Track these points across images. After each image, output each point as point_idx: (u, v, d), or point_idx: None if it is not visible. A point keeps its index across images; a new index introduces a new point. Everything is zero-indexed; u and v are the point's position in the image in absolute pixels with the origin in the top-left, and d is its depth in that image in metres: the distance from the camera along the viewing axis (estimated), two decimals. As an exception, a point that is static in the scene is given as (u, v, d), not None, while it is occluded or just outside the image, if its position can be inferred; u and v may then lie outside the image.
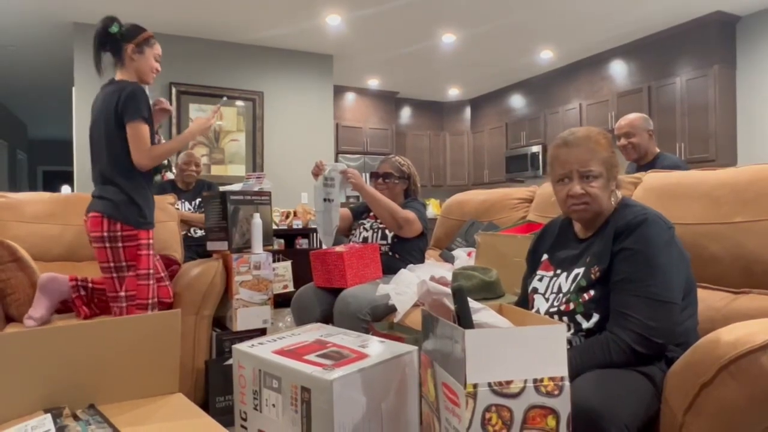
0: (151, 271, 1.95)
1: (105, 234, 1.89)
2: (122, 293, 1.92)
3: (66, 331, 1.18)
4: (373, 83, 7.27)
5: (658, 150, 2.88)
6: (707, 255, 1.46)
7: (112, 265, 1.91)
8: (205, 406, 2.07)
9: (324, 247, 2.39)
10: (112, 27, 1.98)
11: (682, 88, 5.09)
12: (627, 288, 1.17)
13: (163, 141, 2.19)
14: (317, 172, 2.37)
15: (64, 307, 2.14)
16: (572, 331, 1.24)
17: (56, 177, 10.70)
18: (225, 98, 2.39)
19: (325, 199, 2.36)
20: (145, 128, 1.91)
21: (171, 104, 5.27)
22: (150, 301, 1.95)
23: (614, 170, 1.30)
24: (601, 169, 1.27)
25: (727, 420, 0.96)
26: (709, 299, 1.40)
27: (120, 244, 1.90)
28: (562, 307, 1.28)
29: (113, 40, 1.99)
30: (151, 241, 1.96)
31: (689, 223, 1.52)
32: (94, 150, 2.01)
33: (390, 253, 2.39)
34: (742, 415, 0.95)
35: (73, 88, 5.05)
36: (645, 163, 2.82)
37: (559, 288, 1.32)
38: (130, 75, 2.02)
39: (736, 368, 0.95)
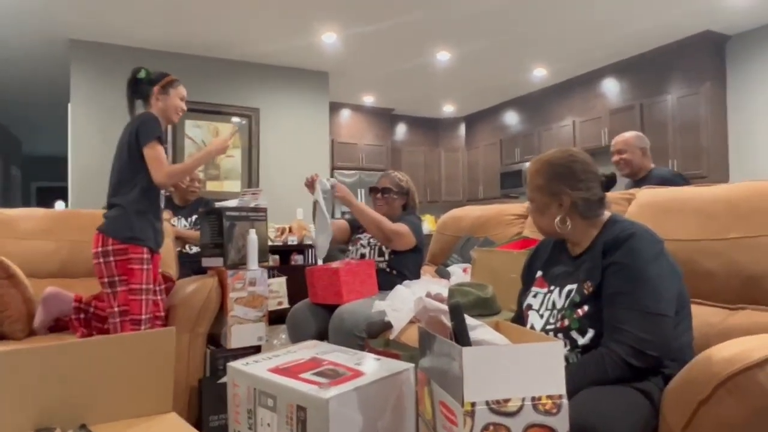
0: (145, 286, 1.94)
1: (99, 249, 1.93)
2: (116, 308, 1.92)
3: (58, 350, 1.17)
4: (369, 100, 7.32)
5: (652, 166, 2.99)
6: (702, 271, 1.46)
7: (105, 280, 1.93)
8: (199, 425, 2.04)
9: (318, 260, 2.40)
10: (140, 73, 2.14)
11: (674, 106, 5.16)
12: (618, 302, 1.17)
13: None
14: (310, 183, 2.39)
15: (57, 325, 2.12)
16: (568, 347, 1.24)
17: (51, 193, 10.65)
18: (237, 127, 2.48)
19: (319, 214, 2.38)
20: (159, 149, 1.99)
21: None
22: (143, 317, 1.94)
23: (555, 198, 1.33)
24: (534, 195, 1.38)
25: (726, 437, 0.96)
26: (704, 315, 1.40)
27: (111, 259, 1.92)
28: (558, 324, 1.28)
29: (141, 85, 2.13)
30: (145, 256, 1.96)
31: (684, 240, 1.53)
32: (112, 172, 2.08)
33: (387, 270, 2.39)
34: (739, 431, 0.95)
35: (69, 105, 5.06)
36: (639, 179, 2.93)
37: (553, 304, 1.32)
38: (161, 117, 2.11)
39: (733, 385, 0.95)
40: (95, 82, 5.08)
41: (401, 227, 2.34)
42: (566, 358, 1.24)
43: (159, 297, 2.09)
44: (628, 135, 3.03)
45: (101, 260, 1.93)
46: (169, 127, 5.27)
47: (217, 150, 2.19)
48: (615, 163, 3.01)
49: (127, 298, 1.93)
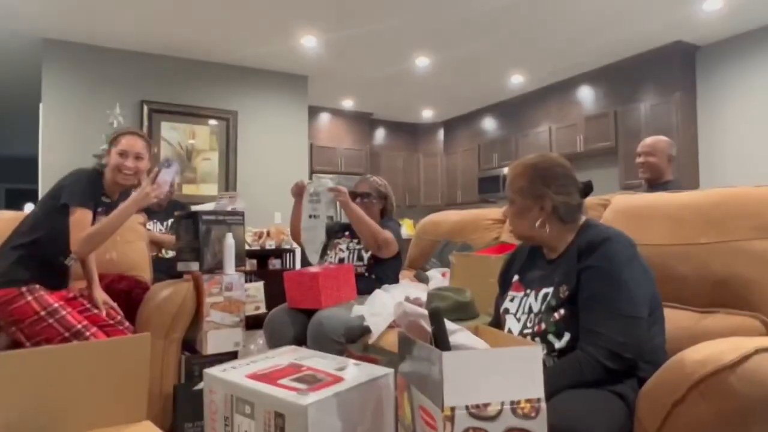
0: (43, 312, 1.81)
1: None
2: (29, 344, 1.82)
3: (26, 357, 1.13)
4: (348, 104, 7.32)
5: (671, 177, 2.91)
6: (675, 275, 1.50)
7: (10, 329, 1.82)
8: (173, 433, 2.00)
9: (313, 264, 2.37)
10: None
11: (647, 114, 5.28)
12: (593, 305, 1.19)
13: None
14: (298, 191, 2.36)
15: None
16: (545, 351, 1.25)
17: (20, 195, 10.36)
18: (166, 163, 2.19)
19: (310, 216, 2.35)
20: (81, 214, 1.87)
21: (141, 123, 5.20)
22: (66, 335, 1.83)
23: (538, 200, 1.34)
24: (516, 198, 1.38)
25: (699, 439, 0.98)
26: (677, 319, 1.43)
27: None
28: (535, 328, 1.29)
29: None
30: (24, 290, 1.82)
31: (657, 244, 1.56)
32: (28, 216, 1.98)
33: (366, 274, 2.38)
34: (712, 433, 0.97)
35: (41, 105, 4.93)
36: (656, 185, 2.86)
37: (530, 308, 1.33)
38: (107, 176, 2.03)
39: (706, 387, 0.97)
40: (67, 82, 4.96)
41: (389, 235, 2.34)
42: (543, 362, 1.25)
43: (123, 327, 1.99)
44: (659, 138, 2.95)
45: None
46: (145, 129, 5.20)
47: (135, 202, 1.96)
48: (639, 165, 2.93)
49: (38, 335, 1.80)
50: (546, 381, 0.94)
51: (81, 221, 1.85)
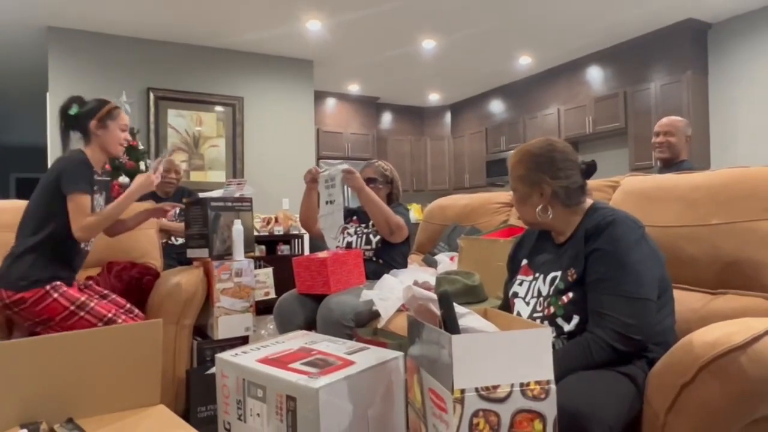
0: (72, 307, 1.83)
1: (1, 303, 1.82)
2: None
3: (44, 343, 1.15)
4: (354, 89, 7.27)
5: (686, 157, 2.89)
6: (685, 256, 1.49)
7: (38, 329, 1.83)
8: (186, 416, 2.03)
9: (331, 248, 2.38)
10: (71, 109, 1.95)
11: (657, 94, 5.20)
12: (601, 288, 1.19)
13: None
14: (312, 178, 2.36)
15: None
16: (554, 334, 1.25)
17: (30, 184, 10.44)
18: (168, 150, 2.26)
19: (327, 202, 2.35)
20: (83, 199, 1.84)
21: (148, 110, 5.20)
22: (99, 325, 1.84)
23: (536, 187, 1.34)
24: (516, 185, 1.40)
25: (708, 419, 0.98)
26: (686, 300, 1.43)
27: (16, 309, 1.82)
28: (544, 312, 1.29)
29: (76, 120, 1.96)
30: (48, 288, 1.82)
31: (667, 226, 1.55)
32: (24, 214, 1.94)
33: (374, 258, 2.39)
34: (722, 413, 0.97)
35: (48, 94, 4.95)
36: (671, 165, 2.84)
37: (539, 292, 1.33)
38: (95, 150, 1.97)
39: (716, 368, 0.97)
40: (74, 70, 4.96)
41: (400, 220, 2.35)
42: (552, 345, 1.25)
43: (131, 315, 2.00)
44: (675, 118, 2.93)
45: (9, 311, 1.83)
46: (151, 117, 5.21)
47: (140, 187, 1.98)
48: (657, 144, 2.90)
49: (68, 326, 1.81)
50: (555, 363, 0.95)
51: (82, 206, 1.83)
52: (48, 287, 1.83)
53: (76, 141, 2.01)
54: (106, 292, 2.05)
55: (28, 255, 1.85)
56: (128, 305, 2.01)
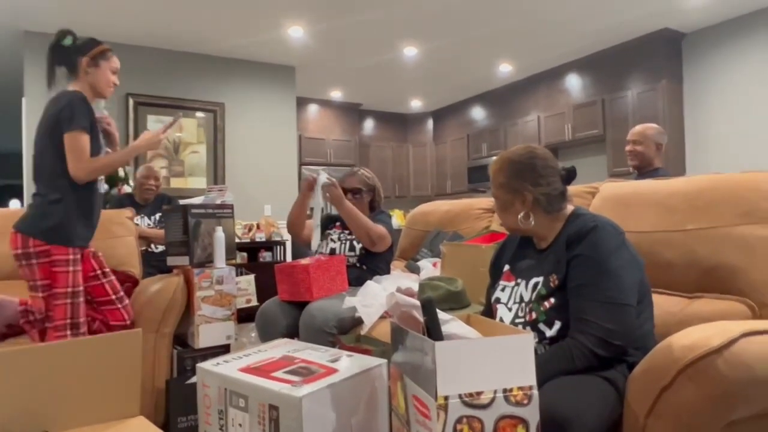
0: (71, 289, 1.81)
1: (20, 251, 1.79)
2: (38, 314, 1.82)
3: (18, 355, 1.12)
4: (336, 95, 7.28)
5: (660, 165, 2.93)
6: (662, 261, 1.51)
7: (30, 283, 1.81)
8: (166, 426, 2.00)
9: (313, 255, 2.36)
10: (65, 40, 1.90)
11: (634, 101, 5.31)
12: (583, 293, 1.20)
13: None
14: (310, 186, 2.33)
15: (10, 332, 2.02)
16: (536, 339, 1.26)
17: (4, 191, 10.21)
18: (180, 114, 2.31)
19: (323, 209, 2.35)
20: (82, 138, 1.81)
21: (127, 116, 5.13)
22: (67, 321, 1.81)
23: (517, 195, 1.36)
24: (498, 193, 1.41)
25: (687, 421, 1.00)
26: (664, 304, 1.45)
27: (34, 261, 1.78)
28: (526, 318, 1.30)
29: (67, 53, 1.91)
30: (71, 257, 1.82)
31: (644, 231, 1.58)
32: (33, 163, 1.91)
33: (358, 265, 2.38)
34: (700, 415, 0.99)
35: (23, 99, 4.85)
36: (644, 173, 2.89)
37: (521, 297, 1.34)
38: (83, 88, 1.92)
39: (694, 371, 0.99)
40: (50, 75, 4.87)
41: (383, 230, 2.34)
42: (534, 350, 1.26)
43: (120, 305, 2.00)
44: (647, 126, 2.97)
45: (23, 263, 1.78)
46: (131, 123, 5.14)
47: (147, 144, 2.00)
48: (627, 152, 2.96)
49: (51, 304, 1.79)
50: (537, 368, 0.96)
51: (82, 145, 1.80)
52: (71, 255, 1.82)
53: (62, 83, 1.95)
54: (104, 280, 2.01)
55: (56, 206, 1.81)
56: (121, 293, 2.01)
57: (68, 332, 1.82)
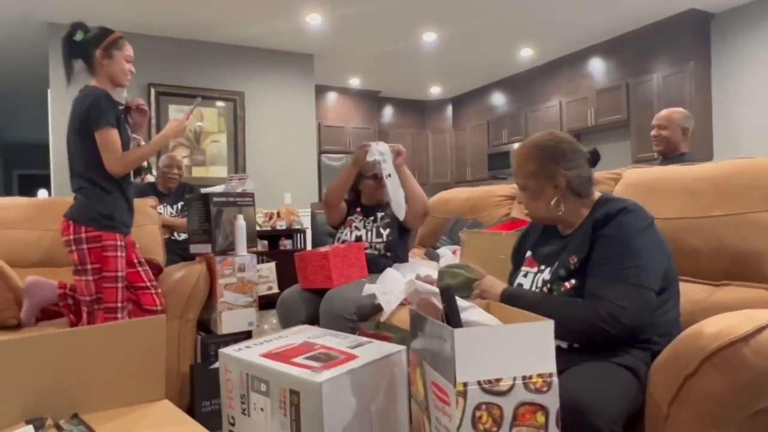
0: (120, 273, 1.92)
1: (71, 237, 1.88)
2: (87, 297, 1.90)
3: (48, 339, 1.16)
4: (355, 82, 7.25)
5: (686, 150, 2.86)
6: (688, 248, 1.48)
7: (79, 267, 1.90)
8: (191, 410, 2.04)
9: (400, 218, 2.37)
10: (76, 35, 1.95)
11: (659, 85, 5.18)
12: (601, 271, 1.19)
13: (142, 143, 2.16)
14: (362, 155, 2.35)
15: (44, 315, 2.09)
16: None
17: (33, 181, 10.46)
18: (200, 99, 2.37)
19: (389, 174, 2.34)
20: (112, 134, 1.89)
21: (150, 106, 5.20)
22: (119, 305, 1.91)
23: (551, 180, 1.32)
24: (528, 182, 1.35)
25: (711, 410, 0.98)
26: (689, 292, 1.43)
27: (84, 246, 1.88)
28: (546, 296, 1.29)
29: (80, 47, 1.97)
30: (119, 243, 1.92)
31: (670, 218, 1.54)
32: (69, 156, 2.00)
33: (383, 252, 2.37)
34: (724, 404, 0.97)
35: (49, 90, 4.94)
36: (670, 159, 2.82)
37: (543, 283, 1.33)
38: (102, 81, 1.99)
39: (719, 359, 0.97)
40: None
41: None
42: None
43: (152, 291, 2.06)
44: (673, 110, 2.89)
45: (74, 248, 1.88)
46: (153, 112, 5.20)
47: (174, 132, 2.07)
48: (653, 137, 2.90)
49: (101, 286, 1.89)
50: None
51: (113, 141, 1.88)
52: (119, 241, 1.92)
53: (83, 78, 2.02)
54: (140, 269, 2.08)
55: (104, 194, 1.91)
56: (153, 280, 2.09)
57: (118, 315, 1.91)
